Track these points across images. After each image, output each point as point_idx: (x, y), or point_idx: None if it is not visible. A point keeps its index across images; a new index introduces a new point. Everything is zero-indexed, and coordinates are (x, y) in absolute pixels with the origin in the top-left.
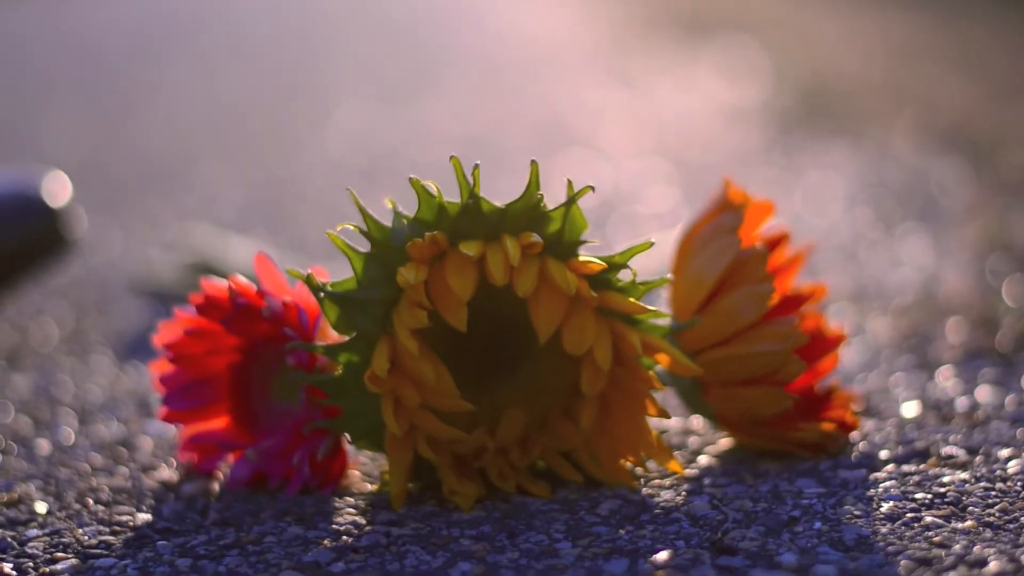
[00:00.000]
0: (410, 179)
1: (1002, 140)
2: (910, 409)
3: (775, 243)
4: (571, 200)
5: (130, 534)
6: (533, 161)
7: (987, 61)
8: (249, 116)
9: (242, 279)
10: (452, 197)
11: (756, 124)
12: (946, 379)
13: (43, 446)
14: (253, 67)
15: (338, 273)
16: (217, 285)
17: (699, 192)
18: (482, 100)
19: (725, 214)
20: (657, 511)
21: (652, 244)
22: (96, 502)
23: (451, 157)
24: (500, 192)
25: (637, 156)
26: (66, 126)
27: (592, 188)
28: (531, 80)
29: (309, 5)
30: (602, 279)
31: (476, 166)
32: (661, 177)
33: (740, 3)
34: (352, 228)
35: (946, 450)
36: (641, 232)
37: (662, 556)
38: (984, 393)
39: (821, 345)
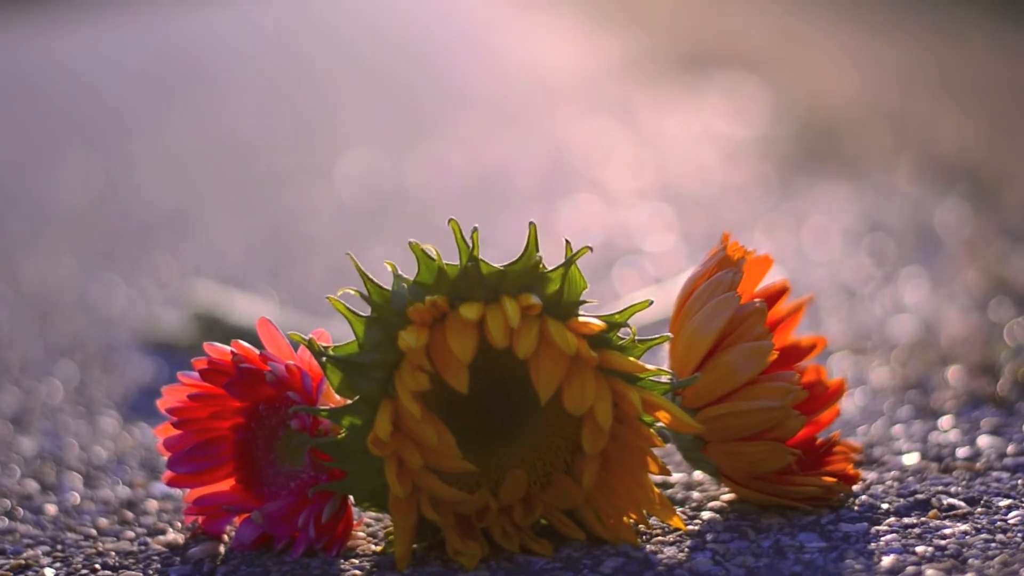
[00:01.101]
0: (409, 243)
1: (1005, 177)
2: (911, 459)
3: (774, 296)
4: (570, 261)
5: None
6: (531, 223)
7: (989, 93)
8: (253, 161)
9: (245, 344)
10: (452, 257)
11: (756, 160)
12: (947, 427)
13: (50, 509)
14: (256, 111)
15: (340, 330)
16: (220, 349)
17: (698, 231)
18: (487, 139)
19: (724, 270)
20: (660, 568)
21: (651, 303)
22: (104, 567)
23: (450, 220)
24: (506, 233)
25: (638, 195)
26: (66, 173)
27: (590, 249)
28: (535, 117)
29: (312, 50)
30: (602, 338)
31: (475, 229)
32: (661, 217)
33: (740, 37)
34: (353, 293)
35: (947, 501)
36: (642, 274)
37: None
38: (985, 441)
39: (822, 397)
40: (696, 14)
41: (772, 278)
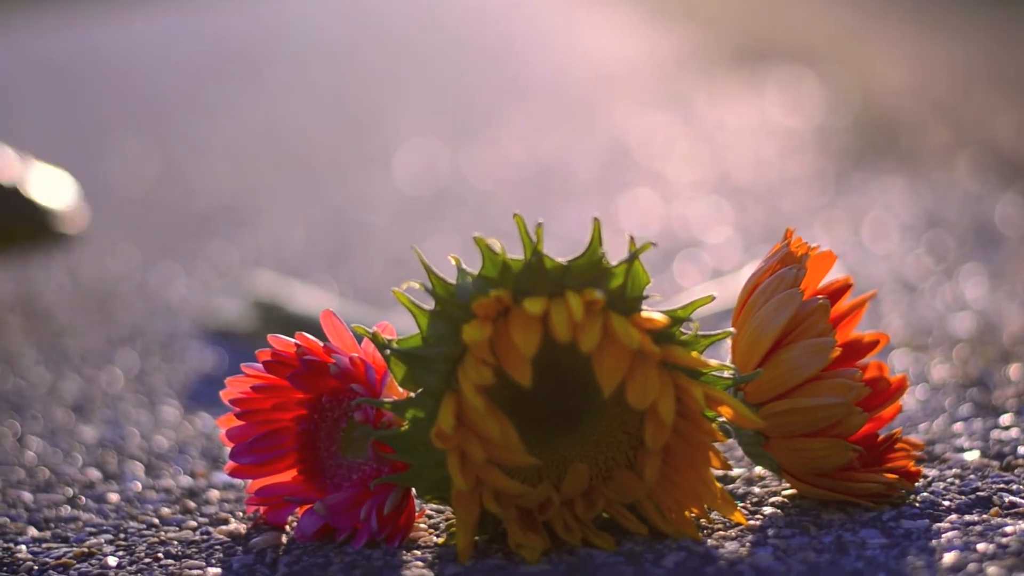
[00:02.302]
0: (474, 237)
1: None
2: (972, 456)
3: (837, 292)
4: (633, 256)
5: None
6: (596, 219)
7: None
8: (311, 151)
9: (309, 336)
10: (515, 250)
11: (813, 153)
12: (1008, 425)
13: (112, 497)
14: (314, 102)
15: (401, 322)
16: (284, 341)
17: (757, 225)
18: (546, 131)
19: (787, 266)
20: (721, 563)
21: (713, 298)
22: (166, 556)
23: (514, 215)
24: (565, 224)
25: (696, 188)
26: (124, 162)
27: (654, 244)
28: (593, 109)
29: (370, 41)
30: (665, 333)
31: (539, 224)
32: (720, 210)
33: (797, 30)
34: (417, 286)
35: (1009, 499)
36: (701, 267)
37: None
38: None
39: (883, 393)
40: (752, 7)
41: (834, 274)
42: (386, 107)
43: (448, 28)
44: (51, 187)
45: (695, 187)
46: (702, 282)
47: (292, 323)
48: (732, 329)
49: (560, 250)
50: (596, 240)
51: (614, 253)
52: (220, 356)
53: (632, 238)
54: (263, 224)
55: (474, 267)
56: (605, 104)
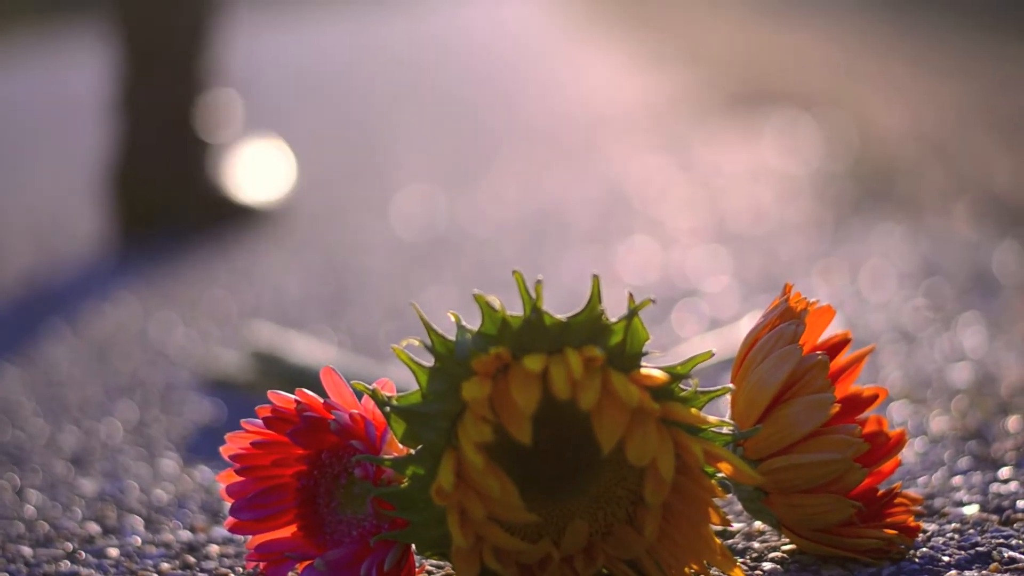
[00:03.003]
0: (474, 294)
1: None
2: (972, 510)
3: (836, 347)
4: (632, 312)
5: None
6: (595, 276)
7: None
8: (308, 200)
9: (309, 392)
10: (513, 304)
11: (811, 199)
12: (1008, 478)
13: (112, 552)
14: (312, 142)
15: (399, 373)
16: (284, 397)
17: (754, 273)
18: (543, 175)
19: (786, 322)
20: None
21: (712, 354)
22: None
23: (514, 272)
24: (562, 272)
25: (694, 235)
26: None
27: (653, 301)
28: (591, 152)
29: (367, 88)
30: (664, 389)
31: (539, 281)
32: (717, 257)
33: (793, 73)
34: (416, 343)
35: (1008, 554)
36: (699, 316)
37: None
38: None
39: (883, 448)
40: (747, 49)
41: (833, 326)
42: (384, 150)
43: (445, 71)
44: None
45: (692, 234)
46: (701, 332)
47: (291, 375)
48: (731, 385)
49: (558, 300)
50: (595, 297)
51: (613, 305)
52: (219, 408)
53: (631, 295)
54: (260, 272)
55: (473, 322)
56: (602, 147)
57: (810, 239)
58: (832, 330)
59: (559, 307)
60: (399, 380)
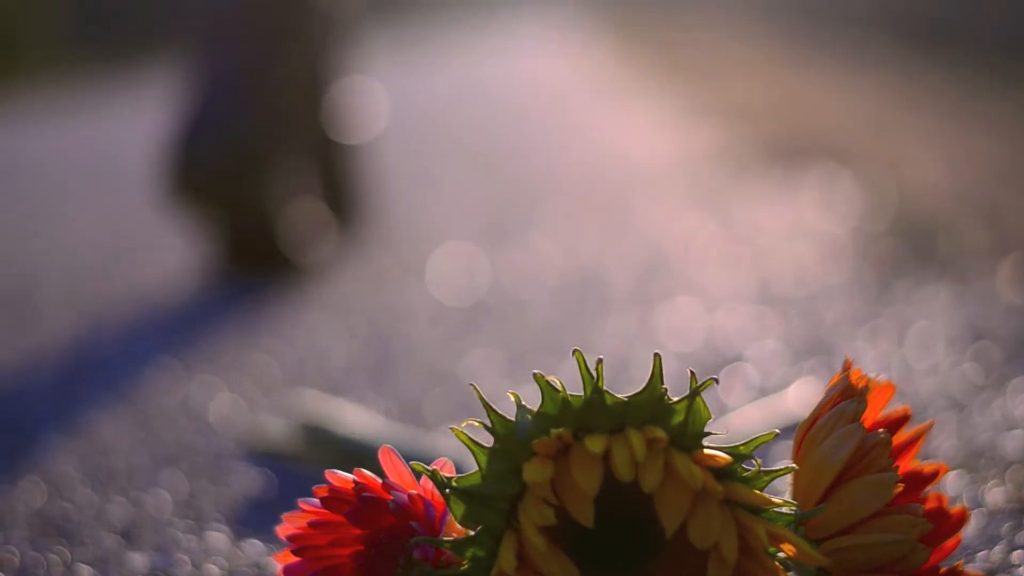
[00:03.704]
0: (534, 375)
1: None
2: None
3: (896, 423)
4: (694, 392)
5: None
6: (656, 355)
7: None
8: (346, 256)
9: (367, 472)
10: (575, 387)
11: (853, 259)
12: None
13: None
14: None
15: (450, 443)
16: (342, 477)
17: (799, 336)
18: (582, 233)
19: (847, 400)
20: None
21: (777, 434)
22: None
23: (574, 351)
24: (608, 338)
25: (736, 297)
26: (157, 272)
27: (716, 381)
28: (629, 210)
29: (400, 139)
30: (727, 469)
31: (599, 361)
32: (761, 320)
33: (831, 127)
34: (476, 424)
35: None
36: (745, 383)
37: None
38: None
39: (944, 526)
40: (781, 101)
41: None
42: (419, 207)
43: (478, 125)
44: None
45: (735, 296)
46: (747, 400)
47: (339, 446)
48: (794, 465)
49: (605, 367)
50: (657, 376)
51: (650, 362)
52: (267, 479)
53: (693, 373)
54: (303, 337)
55: (524, 391)
56: (638, 204)
57: (853, 301)
58: (893, 408)
59: (606, 375)
60: (448, 450)
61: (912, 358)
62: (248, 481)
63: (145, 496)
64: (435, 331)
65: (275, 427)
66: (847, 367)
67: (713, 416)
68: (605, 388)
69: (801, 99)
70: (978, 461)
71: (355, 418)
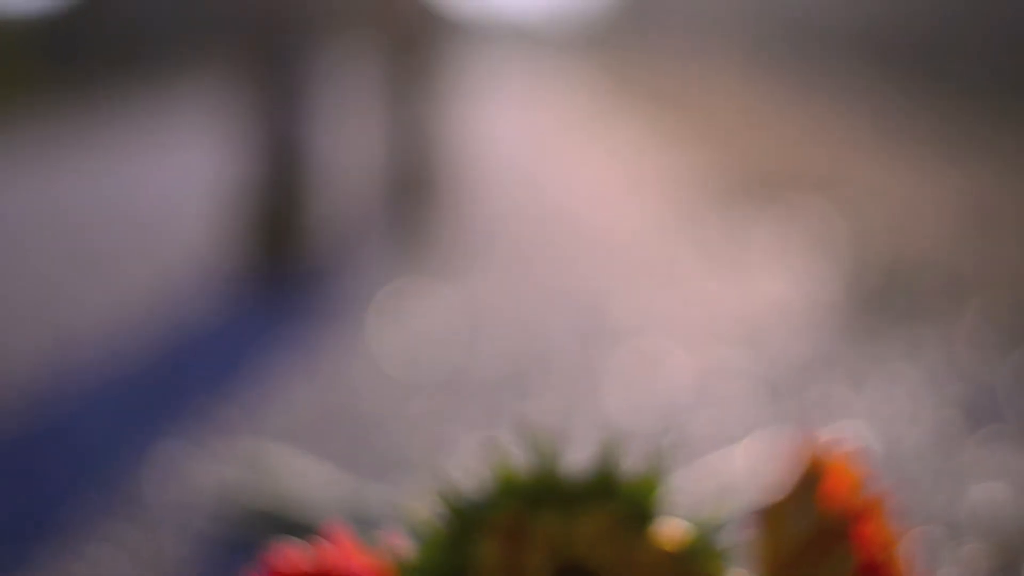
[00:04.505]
0: (486, 445)
1: None
2: None
3: (869, 510)
4: (650, 468)
5: None
6: (608, 427)
7: None
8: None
9: (320, 542)
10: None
11: (840, 305)
12: None
13: None
14: None
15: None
16: (292, 549)
17: (766, 379)
18: (534, 284)
19: (808, 481)
20: None
21: (738, 507)
22: None
23: (527, 427)
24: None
25: (707, 337)
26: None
27: (670, 455)
28: (584, 260)
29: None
30: (688, 545)
31: (555, 437)
32: (731, 361)
33: (805, 160)
34: (428, 497)
35: None
36: (713, 427)
37: None
38: None
39: None
40: (757, 137)
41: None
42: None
43: None
44: None
45: (705, 336)
46: (714, 447)
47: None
48: (757, 541)
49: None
50: (609, 450)
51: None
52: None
53: (656, 451)
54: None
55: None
56: (599, 253)
57: (827, 342)
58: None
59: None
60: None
61: (881, 405)
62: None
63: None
64: (377, 401)
65: (236, 487)
66: (806, 442)
67: (667, 483)
68: (557, 461)
69: (777, 128)
70: (955, 516)
71: (315, 476)
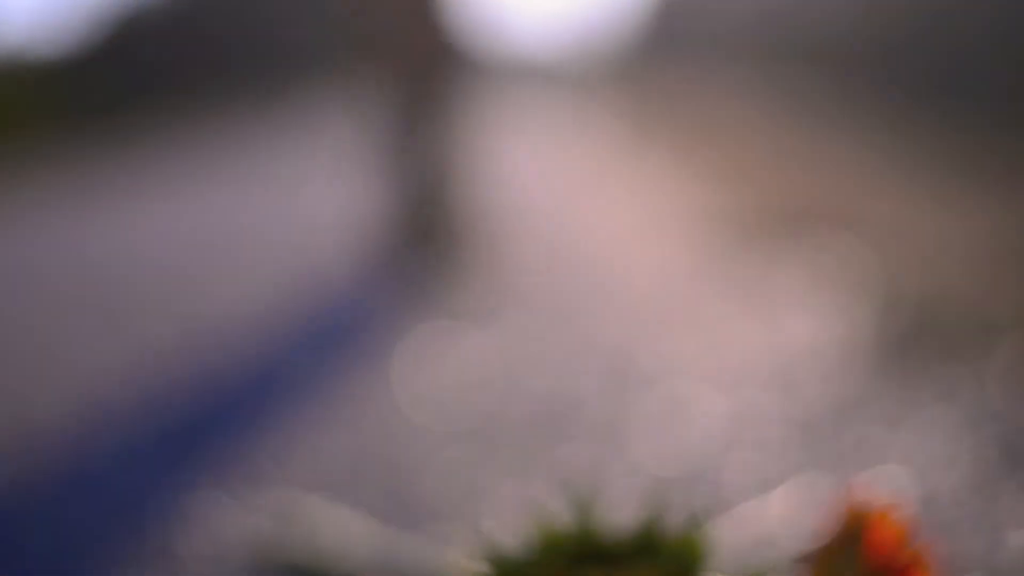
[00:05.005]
0: (533, 509)
1: None
2: None
3: (902, 546)
4: (689, 527)
5: None
6: (650, 485)
7: None
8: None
9: None
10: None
11: (871, 346)
12: None
13: None
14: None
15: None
16: None
17: (811, 418)
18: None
19: (850, 539)
20: None
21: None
22: None
23: (571, 489)
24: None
25: (742, 378)
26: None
27: (708, 514)
28: (612, 302)
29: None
30: None
31: (595, 497)
32: (767, 404)
33: (831, 196)
34: (474, 558)
35: None
36: (748, 473)
37: None
38: None
39: None
40: (781, 171)
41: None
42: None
43: None
44: None
45: (740, 378)
46: (751, 493)
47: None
48: None
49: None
50: (651, 508)
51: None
52: None
53: (694, 512)
54: (301, 448)
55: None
56: (627, 299)
57: (859, 383)
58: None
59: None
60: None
61: (919, 445)
62: None
63: None
64: (412, 455)
65: (271, 538)
66: (847, 492)
67: (709, 539)
68: (598, 518)
69: (801, 161)
70: (996, 562)
71: (352, 527)
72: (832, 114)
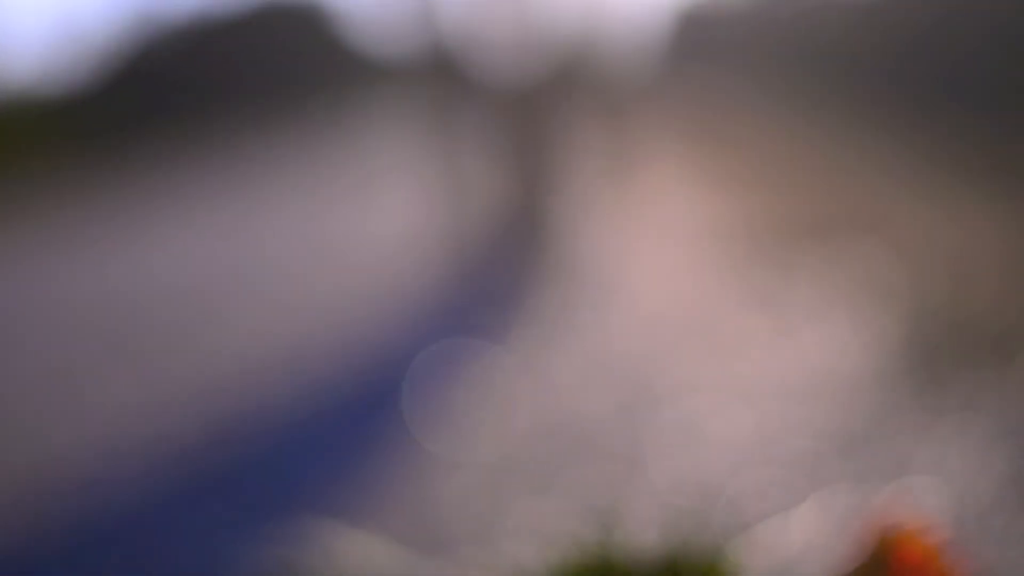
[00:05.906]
0: (564, 536)
1: None
2: None
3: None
4: (716, 554)
5: None
6: (677, 509)
7: None
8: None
9: None
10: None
11: (888, 347)
12: None
13: None
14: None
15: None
16: None
17: (834, 433)
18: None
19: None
20: None
21: None
22: None
23: (593, 510)
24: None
25: (778, 389)
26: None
27: (738, 538)
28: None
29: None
30: None
31: (617, 523)
32: (797, 415)
33: (863, 206)
34: None
35: None
36: (782, 485)
37: None
38: None
39: None
40: (806, 178)
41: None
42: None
43: None
44: None
45: (776, 389)
46: (784, 506)
47: None
48: None
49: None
50: (681, 534)
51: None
52: None
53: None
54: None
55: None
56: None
57: (888, 394)
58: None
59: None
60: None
61: (952, 455)
62: None
63: None
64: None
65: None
66: (876, 509)
67: (733, 563)
68: (622, 542)
69: (826, 168)
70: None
71: (360, 549)
72: (851, 123)
